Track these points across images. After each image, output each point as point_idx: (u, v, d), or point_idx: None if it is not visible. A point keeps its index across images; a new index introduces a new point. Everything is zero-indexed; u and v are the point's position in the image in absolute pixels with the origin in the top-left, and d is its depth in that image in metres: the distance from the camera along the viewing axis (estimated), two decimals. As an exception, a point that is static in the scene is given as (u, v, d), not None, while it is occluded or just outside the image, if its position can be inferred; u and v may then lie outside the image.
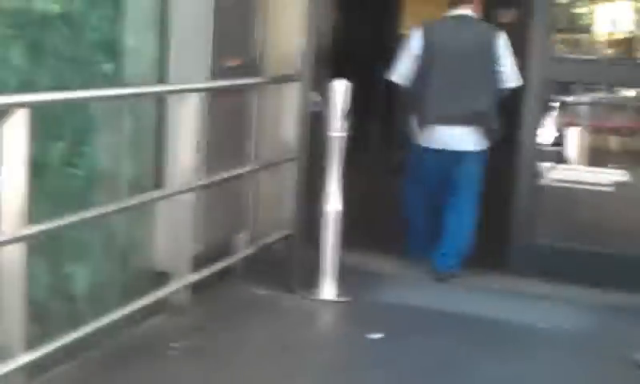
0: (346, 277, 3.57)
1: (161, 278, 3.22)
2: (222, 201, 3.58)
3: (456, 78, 3.80)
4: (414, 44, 3.87)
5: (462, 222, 3.85)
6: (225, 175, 3.43)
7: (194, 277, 3.24)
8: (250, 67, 3.81)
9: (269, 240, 3.81)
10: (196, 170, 3.22)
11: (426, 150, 3.87)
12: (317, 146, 3.67)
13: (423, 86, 3.82)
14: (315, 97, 3.61)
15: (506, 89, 3.88)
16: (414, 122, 3.90)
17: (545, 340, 3.27)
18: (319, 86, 3.66)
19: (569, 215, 4.25)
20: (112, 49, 3.01)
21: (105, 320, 2.68)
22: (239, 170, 3.63)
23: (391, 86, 4.00)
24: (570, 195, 4.61)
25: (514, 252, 3.98)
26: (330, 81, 3.57)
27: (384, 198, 5.36)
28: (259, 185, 3.90)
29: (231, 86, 3.54)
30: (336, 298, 3.53)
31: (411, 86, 3.88)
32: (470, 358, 3.01)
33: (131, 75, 3.08)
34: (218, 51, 3.41)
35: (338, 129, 3.57)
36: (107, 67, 2.99)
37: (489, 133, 3.88)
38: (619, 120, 6.26)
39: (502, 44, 3.87)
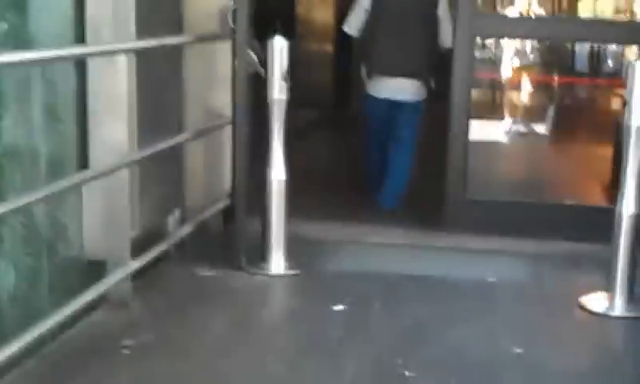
0: (294, 247, 3.37)
1: (96, 268, 2.86)
2: (154, 176, 3.22)
3: (399, 34, 4.14)
4: None
5: (401, 164, 4.31)
6: (158, 147, 3.08)
7: (135, 264, 2.91)
8: (176, 24, 3.43)
9: (208, 215, 3.51)
10: (128, 143, 2.86)
11: (373, 98, 4.29)
12: (255, 109, 3.39)
13: (371, 39, 4.21)
14: (249, 57, 3.31)
15: (443, 48, 4.20)
16: (363, 72, 4.33)
17: (497, 293, 3.26)
18: (251, 44, 3.36)
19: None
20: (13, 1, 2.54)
21: (39, 323, 2.31)
22: (172, 141, 3.28)
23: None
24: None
25: (451, 208, 3.95)
26: (265, 38, 3.30)
27: (329, 160, 5.31)
28: (195, 155, 3.56)
29: (161, 45, 3.16)
30: (287, 272, 3.33)
31: (361, 37, 4.29)
32: (436, 318, 2.95)
33: (40, 34, 2.63)
34: (141, 6, 3.01)
35: (277, 91, 3.31)
36: (8, 24, 2.52)
37: (425, 86, 4.29)
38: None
39: (443, 6, 4.23)
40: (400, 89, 4.21)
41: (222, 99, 3.54)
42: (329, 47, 7.72)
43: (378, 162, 4.36)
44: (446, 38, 4.13)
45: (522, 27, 4.41)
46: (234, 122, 3.28)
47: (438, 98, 4.18)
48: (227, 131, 3.49)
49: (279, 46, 3.30)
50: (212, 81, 3.59)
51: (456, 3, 3.90)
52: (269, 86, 3.29)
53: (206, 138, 3.60)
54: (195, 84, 3.52)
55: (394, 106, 4.23)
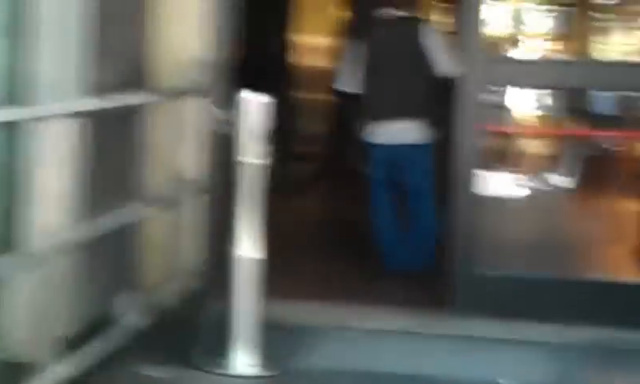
0: (268, 337, 2.83)
1: (22, 371, 2.34)
2: (101, 256, 2.71)
3: (390, 75, 3.94)
4: (354, 50, 4.04)
5: (424, 218, 3.98)
6: (104, 224, 2.58)
7: (64, 368, 2.38)
8: (139, 79, 2.94)
9: (168, 298, 2.98)
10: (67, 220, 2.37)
11: (372, 145, 4.01)
12: (227, 175, 2.89)
13: (367, 86, 3.98)
14: (223, 115, 2.80)
15: (441, 78, 3.89)
16: (358, 122, 4.07)
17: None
18: (229, 101, 2.86)
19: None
20: None
21: None
22: (126, 212, 2.77)
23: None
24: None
25: (457, 285, 3.38)
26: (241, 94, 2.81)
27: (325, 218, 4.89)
28: (156, 226, 3.05)
29: (116, 107, 2.66)
30: (255, 371, 2.78)
31: (355, 90, 4.02)
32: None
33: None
34: (95, 59, 2.54)
35: (251, 154, 2.81)
36: None
37: (430, 127, 4.00)
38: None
39: (432, 35, 4.04)
40: (399, 131, 3.96)
41: (190, 162, 3.04)
42: (328, 96, 7.31)
43: (389, 221, 4.00)
44: (443, 66, 3.87)
45: (547, 73, 3.68)
46: (201, 190, 2.79)
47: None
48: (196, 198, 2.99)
49: (256, 102, 2.81)
50: (180, 140, 3.09)
51: (461, 44, 3.41)
52: (239, 148, 2.79)
53: (176, 205, 3.10)
54: (160, 144, 3.01)
55: (397, 152, 3.96)
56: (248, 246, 2.81)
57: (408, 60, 3.94)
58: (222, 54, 2.67)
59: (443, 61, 3.87)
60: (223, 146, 2.76)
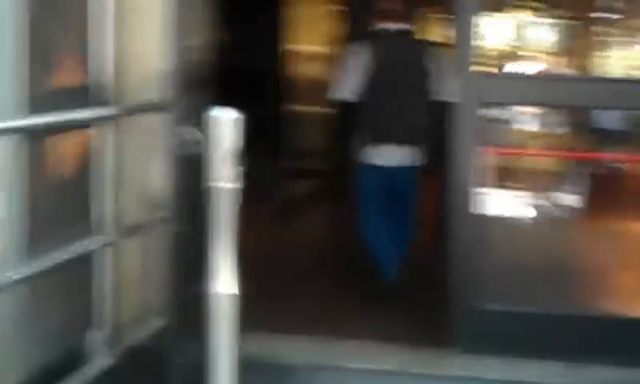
0: (250, 379, 2.54)
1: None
2: (59, 291, 2.43)
3: (395, 97, 3.83)
4: (357, 61, 3.83)
5: (406, 237, 4.04)
6: (60, 256, 2.30)
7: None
8: (96, 92, 2.68)
9: (133, 337, 2.69)
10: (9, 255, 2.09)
11: (370, 167, 3.93)
12: (196, 200, 2.61)
13: (364, 104, 3.83)
14: (191, 133, 2.53)
15: (440, 102, 3.75)
16: (357, 140, 3.95)
17: None
18: (196, 118, 2.59)
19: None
20: None
21: None
22: (82, 244, 2.49)
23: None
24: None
25: (457, 321, 3.07)
26: (209, 110, 2.54)
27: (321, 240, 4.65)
28: (124, 257, 2.76)
29: (63, 123, 2.39)
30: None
31: (358, 101, 3.84)
32: None
33: None
34: (39, 69, 2.28)
35: (223, 177, 2.53)
36: None
37: (423, 151, 3.95)
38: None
39: (439, 58, 3.89)
40: (398, 155, 3.92)
41: (154, 187, 2.75)
42: (327, 110, 7.03)
43: (384, 237, 3.97)
44: (447, 91, 3.59)
45: (550, 91, 3.34)
46: (168, 217, 2.51)
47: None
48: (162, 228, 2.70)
49: (227, 119, 2.53)
50: (142, 163, 2.81)
51: (454, 60, 3.15)
52: (210, 171, 2.51)
53: (141, 234, 2.81)
54: (121, 167, 2.72)
55: (391, 174, 3.93)
56: (222, 281, 2.52)
57: (416, 84, 3.85)
58: (188, 66, 2.40)
59: (448, 85, 3.59)
60: (190, 169, 2.47)
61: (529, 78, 4.37)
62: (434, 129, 3.69)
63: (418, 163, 3.94)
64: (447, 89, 3.59)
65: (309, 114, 7.17)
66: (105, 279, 2.68)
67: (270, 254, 4.53)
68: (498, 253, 3.30)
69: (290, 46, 7.28)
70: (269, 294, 3.50)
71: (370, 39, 3.90)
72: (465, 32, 3.12)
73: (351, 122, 3.89)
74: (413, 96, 3.82)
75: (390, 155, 3.89)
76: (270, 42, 7.15)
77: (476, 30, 3.15)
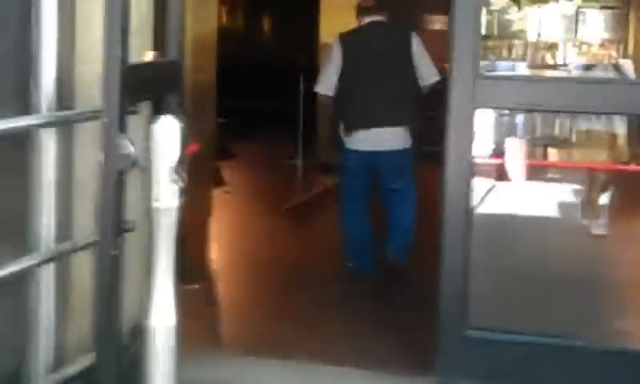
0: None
1: None
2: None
3: (376, 83, 3.95)
4: (335, 55, 4.05)
5: (404, 217, 4.04)
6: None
7: None
8: (36, 98, 2.44)
9: (63, 373, 2.44)
10: None
11: (354, 152, 4.01)
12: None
13: (347, 93, 4.00)
14: (126, 145, 2.27)
15: (426, 86, 4.05)
16: (341, 128, 4.07)
17: None
18: (135, 128, 2.31)
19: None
20: None
21: None
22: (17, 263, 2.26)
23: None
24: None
25: (445, 349, 2.75)
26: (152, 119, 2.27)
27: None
28: (57, 281, 2.53)
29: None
30: None
31: (336, 95, 4.05)
32: None
33: None
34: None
35: (164, 195, 2.27)
36: None
37: (411, 132, 4.05)
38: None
39: (416, 43, 4.05)
40: (383, 139, 3.99)
41: (84, 206, 2.48)
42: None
43: (359, 226, 4.09)
44: (426, 75, 4.01)
45: (559, 94, 2.87)
46: (99, 241, 2.24)
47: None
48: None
49: (166, 130, 2.27)
50: (74, 178, 2.55)
51: (448, 60, 2.79)
52: (151, 189, 2.25)
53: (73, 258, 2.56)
54: (50, 182, 2.47)
55: (379, 158, 3.99)
56: (160, 312, 2.26)
57: (396, 68, 3.98)
58: (129, 72, 2.13)
59: (427, 69, 3.99)
60: (123, 185, 2.21)
61: (534, 80, 3.96)
62: (416, 111, 3.99)
63: (404, 146, 4.00)
64: (425, 73, 3.98)
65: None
66: (42, 303, 2.47)
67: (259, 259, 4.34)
68: (490, 269, 2.97)
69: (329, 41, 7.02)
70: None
71: (346, 35, 4.14)
72: (464, 27, 2.74)
73: (334, 114, 4.13)
74: (391, 81, 3.95)
75: (373, 139, 3.96)
76: (308, 38, 7.02)
77: (479, 24, 2.82)
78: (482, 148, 4.49)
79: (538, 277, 3.37)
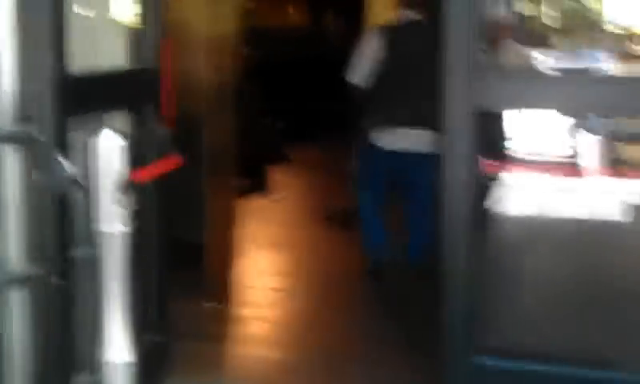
0: None
1: None
2: None
3: (412, 82, 3.80)
4: (375, 46, 3.88)
5: (424, 224, 3.89)
6: None
7: None
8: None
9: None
10: None
11: (380, 150, 3.89)
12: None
13: (382, 88, 3.87)
14: (61, 167, 2.06)
15: None
16: (367, 123, 3.92)
17: None
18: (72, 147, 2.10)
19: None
20: None
21: None
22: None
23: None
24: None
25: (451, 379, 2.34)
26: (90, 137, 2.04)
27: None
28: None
29: None
30: None
31: (369, 87, 3.90)
32: None
33: None
34: None
35: (106, 219, 2.05)
36: None
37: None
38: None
39: None
40: (413, 140, 3.84)
41: (13, 238, 2.18)
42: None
43: (378, 227, 3.98)
44: None
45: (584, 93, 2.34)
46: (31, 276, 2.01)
47: None
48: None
49: (110, 145, 2.05)
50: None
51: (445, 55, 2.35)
52: (94, 214, 2.04)
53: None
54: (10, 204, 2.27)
55: (406, 159, 3.86)
56: (115, 348, 2.05)
57: (431, 68, 3.52)
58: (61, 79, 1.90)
59: None
60: (62, 210, 2.00)
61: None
62: None
63: (432, 149, 3.75)
64: None
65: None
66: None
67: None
68: (507, 283, 2.52)
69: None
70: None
71: (388, 28, 3.96)
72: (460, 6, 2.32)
73: (360, 107, 3.94)
74: (426, 83, 3.55)
75: (402, 139, 3.85)
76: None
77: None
78: (553, 146, 3.87)
79: (580, 290, 2.86)
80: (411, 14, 3.91)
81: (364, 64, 3.90)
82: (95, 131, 2.08)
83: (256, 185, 5.70)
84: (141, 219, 2.25)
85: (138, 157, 2.24)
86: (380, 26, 4.04)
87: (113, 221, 2.02)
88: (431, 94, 3.66)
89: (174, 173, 2.44)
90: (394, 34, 3.91)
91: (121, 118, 2.35)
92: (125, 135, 2.06)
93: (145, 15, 2.48)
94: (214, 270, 3.64)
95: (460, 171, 2.32)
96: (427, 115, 3.62)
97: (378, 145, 3.86)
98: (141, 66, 2.45)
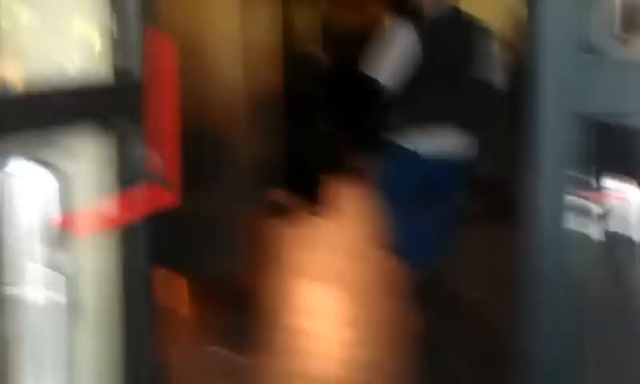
0: None
1: None
2: None
3: (449, 80, 3.57)
4: (407, 42, 3.55)
5: (445, 232, 3.68)
6: None
7: None
8: None
9: None
10: None
11: (412, 154, 3.62)
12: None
13: (415, 87, 3.56)
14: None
15: (494, 92, 3.66)
16: (396, 124, 3.66)
17: None
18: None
19: None
20: None
21: None
22: None
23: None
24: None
25: None
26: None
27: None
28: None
29: None
30: None
31: (400, 87, 3.57)
32: None
33: None
34: None
35: (18, 279, 1.51)
36: None
37: (481, 139, 3.67)
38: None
39: (493, 45, 3.71)
40: (449, 142, 3.59)
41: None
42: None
43: (413, 227, 3.68)
44: (496, 79, 3.62)
45: None
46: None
47: None
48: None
49: (35, 183, 1.50)
50: None
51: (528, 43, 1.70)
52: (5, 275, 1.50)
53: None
54: None
55: (438, 164, 3.58)
56: None
57: (466, 65, 3.55)
58: None
59: (498, 73, 3.62)
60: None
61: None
62: (485, 119, 3.58)
63: (466, 155, 3.58)
64: (499, 76, 3.57)
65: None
66: None
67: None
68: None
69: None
70: None
71: (418, 22, 3.57)
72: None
73: (386, 108, 3.60)
74: (466, 79, 3.54)
75: (435, 143, 3.57)
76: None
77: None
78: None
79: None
80: (449, 8, 3.59)
81: (394, 60, 3.49)
82: (11, 162, 1.55)
83: (308, 201, 5.11)
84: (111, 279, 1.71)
85: (94, 192, 1.70)
86: (413, 16, 3.61)
87: (25, 281, 1.48)
88: (469, 94, 3.45)
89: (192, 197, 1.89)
90: (431, 28, 3.55)
91: (82, 141, 1.82)
92: (56, 168, 1.52)
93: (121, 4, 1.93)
94: (252, 313, 3.08)
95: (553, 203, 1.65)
96: (465, 116, 3.49)
97: (411, 148, 3.54)
98: (114, 71, 1.91)
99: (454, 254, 3.76)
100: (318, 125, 5.51)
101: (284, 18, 5.11)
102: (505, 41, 5.63)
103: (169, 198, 1.81)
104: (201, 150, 3.12)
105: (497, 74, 3.61)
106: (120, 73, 1.84)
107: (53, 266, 1.50)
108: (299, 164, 4.60)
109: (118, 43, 1.86)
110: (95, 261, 1.70)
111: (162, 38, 1.90)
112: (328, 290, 3.85)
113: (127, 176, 1.80)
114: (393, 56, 3.53)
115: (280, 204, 4.12)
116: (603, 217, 1.80)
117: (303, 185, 5.04)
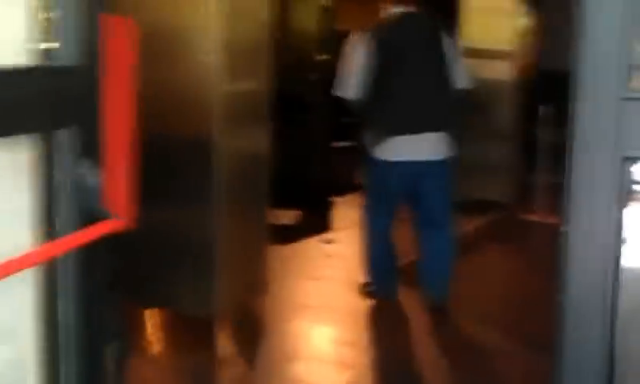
0: None
1: None
2: None
3: (414, 83, 3.50)
4: (364, 52, 3.51)
5: (443, 250, 3.60)
6: None
7: None
8: None
9: None
10: None
11: (388, 164, 3.52)
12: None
13: (379, 96, 3.49)
14: None
15: (459, 90, 3.59)
16: (369, 137, 3.55)
17: None
18: None
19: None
20: None
21: None
22: None
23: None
24: None
25: None
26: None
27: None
28: None
29: None
30: None
31: (364, 97, 3.51)
32: None
33: None
34: None
35: None
36: None
37: (452, 139, 3.56)
38: None
39: (451, 44, 3.66)
40: (424, 146, 3.51)
41: None
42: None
43: (384, 250, 3.66)
44: (459, 78, 3.56)
45: None
46: None
47: None
48: None
49: None
50: None
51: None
52: None
53: None
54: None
55: (417, 169, 3.51)
56: None
57: (432, 68, 3.53)
58: None
59: (463, 74, 3.59)
60: None
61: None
62: (454, 114, 3.52)
63: (444, 156, 3.51)
64: (460, 75, 3.54)
65: (492, 127, 5.62)
66: None
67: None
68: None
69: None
70: None
71: (376, 29, 3.53)
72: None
73: (361, 119, 3.56)
74: (427, 81, 3.49)
75: (411, 148, 3.49)
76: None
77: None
78: None
79: None
80: (402, 9, 3.49)
81: (354, 74, 3.47)
82: None
83: (312, 221, 4.71)
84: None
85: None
86: (365, 28, 3.56)
87: None
88: (438, 91, 3.40)
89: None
90: (385, 33, 3.50)
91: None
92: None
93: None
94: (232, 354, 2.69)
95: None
96: (435, 116, 3.43)
97: (384, 158, 3.45)
98: (47, 63, 1.49)
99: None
100: (321, 135, 5.16)
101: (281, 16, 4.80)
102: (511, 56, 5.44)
103: (117, 224, 1.40)
104: (172, 160, 2.76)
105: (458, 72, 3.53)
106: (63, 68, 1.44)
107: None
108: (301, 180, 4.25)
109: (58, 30, 1.45)
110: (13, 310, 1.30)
111: (118, 22, 1.49)
112: (326, 326, 3.45)
113: (63, 199, 1.41)
114: (351, 70, 3.48)
115: (280, 225, 3.77)
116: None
117: (308, 203, 4.67)
